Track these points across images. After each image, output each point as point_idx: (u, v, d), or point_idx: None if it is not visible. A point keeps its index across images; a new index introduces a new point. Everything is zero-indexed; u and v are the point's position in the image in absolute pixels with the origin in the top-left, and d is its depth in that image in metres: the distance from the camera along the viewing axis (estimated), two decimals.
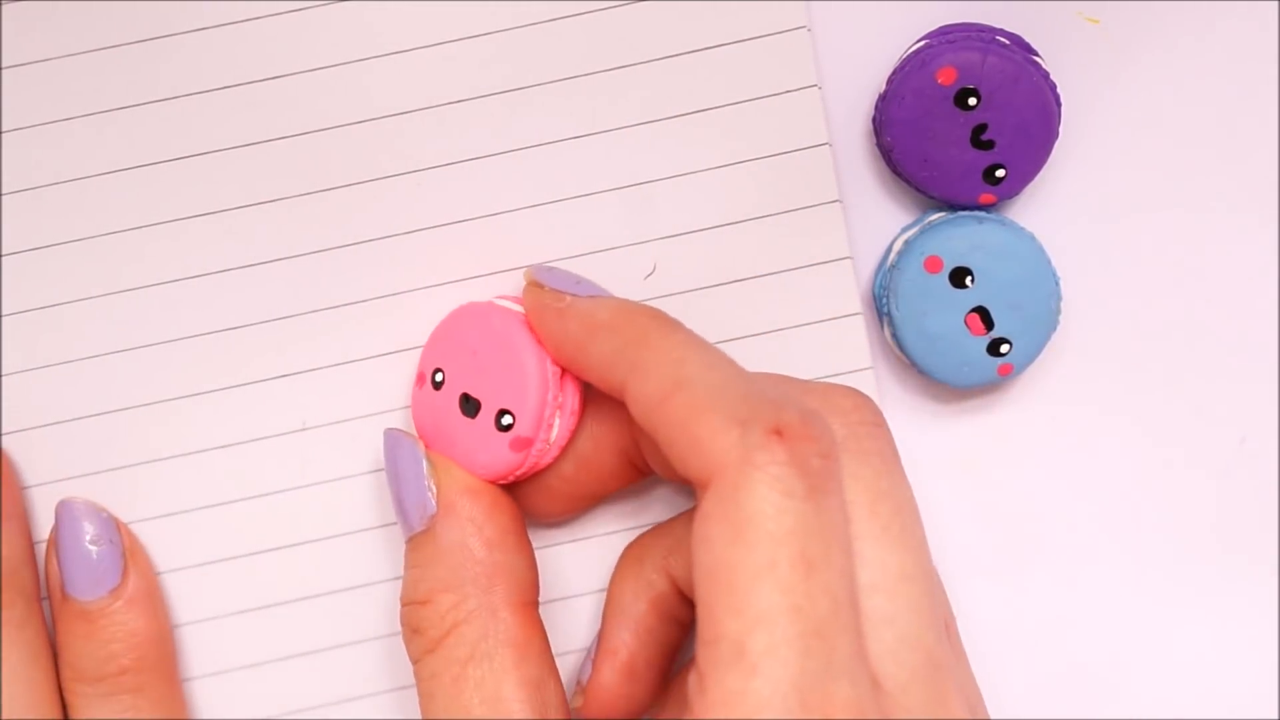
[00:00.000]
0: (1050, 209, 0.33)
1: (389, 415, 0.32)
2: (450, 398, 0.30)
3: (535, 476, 0.30)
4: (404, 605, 0.29)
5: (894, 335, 0.32)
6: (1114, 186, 0.33)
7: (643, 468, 0.30)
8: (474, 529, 0.28)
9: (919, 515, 0.27)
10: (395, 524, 0.31)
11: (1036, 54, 0.32)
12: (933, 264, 0.31)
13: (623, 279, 0.32)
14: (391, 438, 0.30)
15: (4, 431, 0.31)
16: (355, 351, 0.32)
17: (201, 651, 0.32)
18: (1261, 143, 0.33)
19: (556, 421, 0.29)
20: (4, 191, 0.31)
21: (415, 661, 0.28)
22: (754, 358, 0.32)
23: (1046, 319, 0.32)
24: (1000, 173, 0.32)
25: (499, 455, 0.29)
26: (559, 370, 0.29)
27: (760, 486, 0.24)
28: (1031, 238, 0.32)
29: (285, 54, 0.31)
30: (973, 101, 0.31)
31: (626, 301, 0.29)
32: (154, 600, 0.31)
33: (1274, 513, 0.33)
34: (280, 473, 0.32)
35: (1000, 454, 0.34)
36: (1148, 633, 0.33)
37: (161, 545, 0.32)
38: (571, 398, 0.30)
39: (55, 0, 0.31)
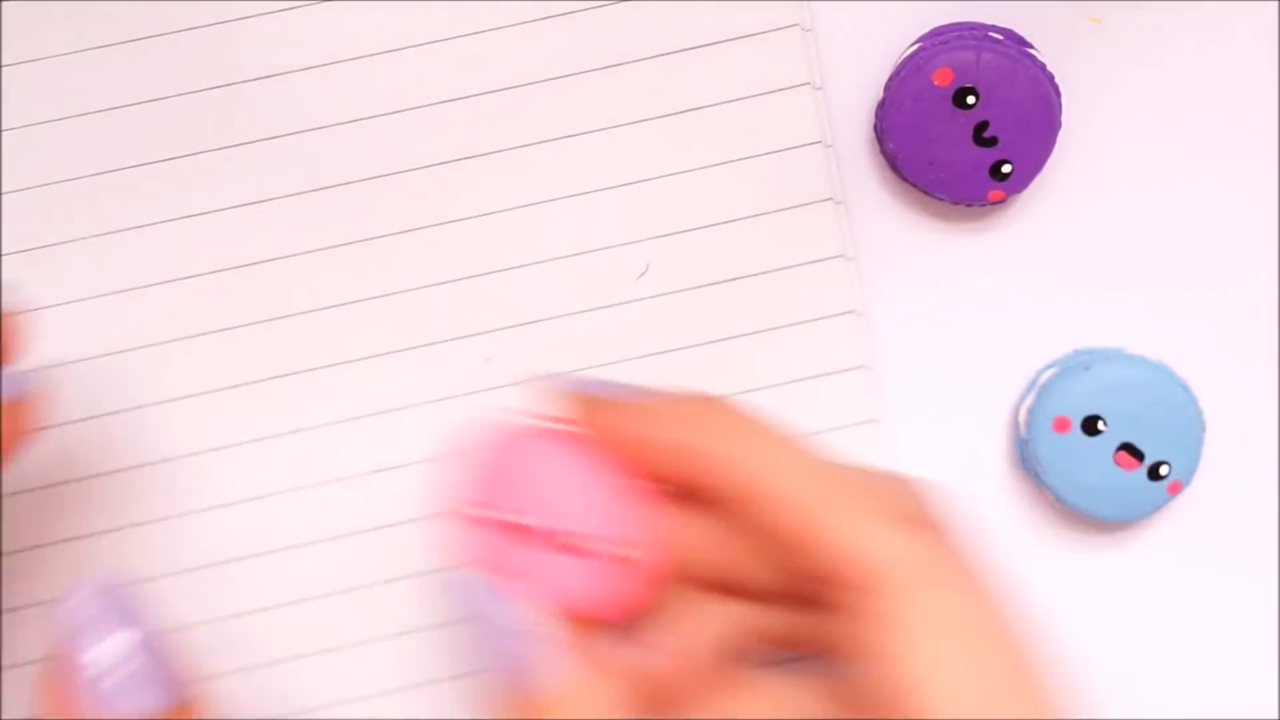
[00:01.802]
0: (1060, 199, 0.33)
1: (382, 416, 0.32)
2: (532, 537, 0.26)
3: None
4: None
5: (1059, 498, 0.32)
6: (1121, 172, 0.33)
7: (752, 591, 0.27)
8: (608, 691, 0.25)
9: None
10: (384, 526, 0.32)
11: (1032, 47, 0.31)
12: (1061, 424, 0.31)
13: (616, 279, 0.32)
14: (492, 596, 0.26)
15: None
16: (348, 353, 0.32)
17: (204, 652, 0.32)
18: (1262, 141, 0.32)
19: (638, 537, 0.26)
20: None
21: None
22: (747, 357, 0.32)
23: (1190, 422, 0.32)
24: (1006, 168, 0.31)
25: (590, 579, 0.26)
26: (628, 483, 0.26)
27: (939, 580, 0.23)
28: (1128, 358, 0.32)
29: (280, 53, 0.31)
30: (971, 100, 0.30)
31: (674, 391, 0.26)
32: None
33: (1274, 513, 0.33)
34: (274, 475, 0.32)
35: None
36: (1148, 632, 0.33)
37: (159, 547, 0.32)
38: (648, 511, 0.26)
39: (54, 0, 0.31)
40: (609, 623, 0.26)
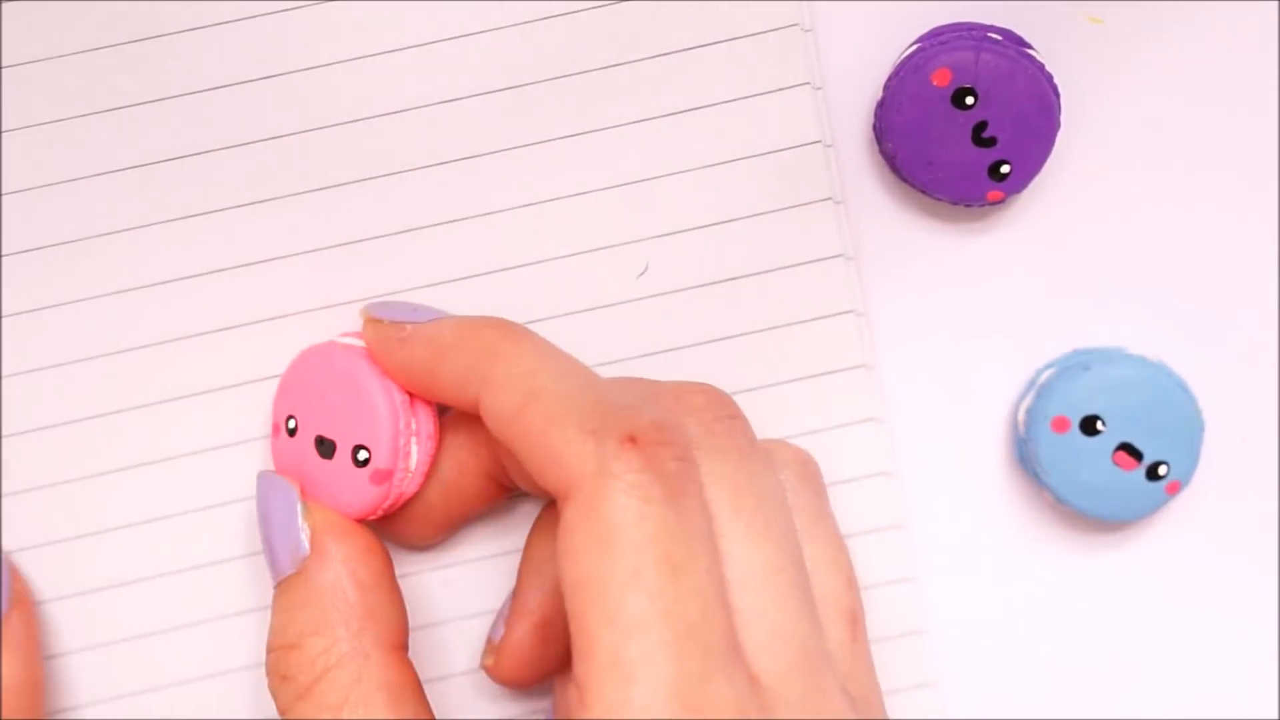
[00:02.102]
0: (1059, 200, 0.33)
1: None
2: (305, 442, 0.30)
3: (402, 506, 0.30)
4: (271, 651, 0.28)
5: (1058, 498, 0.32)
6: (1120, 172, 0.33)
7: (508, 485, 0.30)
8: (346, 571, 0.28)
9: (784, 507, 0.27)
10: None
11: (1030, 47, 0.31)
12: (1060, 424, 0.32)
13: (615, 278, 0.32)
14: (265, 480, 0.30)
15: (12, 432, 0.32)
16: None
17: (205, 652, 0.32)
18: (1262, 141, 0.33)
19: (414, 449, 0.29)
20: None
21: (284, 711, 0.28)
22: (746, 356, 0.32)
23: (1189, 422, 0.32)
24: (1005, 168, 0.31)
25: (362, 491, 0.29)
26: (408, 398, 0.29)
27: (618, 495, 0.24)
28: (1127, 357, 0.32)
29: (275, 54, 0.31)
30: (970, 100, 0.31)
31: (470, 318, 0.29)
32: (30, 648, 0.30)
33: (1273, 512, 0.33)
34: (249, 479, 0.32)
35: None
36: (1148, 632, 0.33)
37: (159, 549, 0.32)
38: (426, 423, 0.30)
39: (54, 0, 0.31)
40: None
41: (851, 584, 0.28)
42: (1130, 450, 0.32)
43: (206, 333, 0.32)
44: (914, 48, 0.31)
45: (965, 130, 0.31)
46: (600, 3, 0.31)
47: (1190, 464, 0.32)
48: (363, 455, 0.29)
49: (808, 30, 0.32)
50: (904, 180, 0.32)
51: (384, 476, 0.29)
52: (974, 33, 0.31)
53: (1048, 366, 0.33)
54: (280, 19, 0.31)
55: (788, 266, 0.32)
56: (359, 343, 0.30)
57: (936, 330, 0.33)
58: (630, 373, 0.32)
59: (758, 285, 0.32)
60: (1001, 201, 0.32)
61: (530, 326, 0.31)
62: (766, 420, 0.32)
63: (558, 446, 0.25)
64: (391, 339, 0.29)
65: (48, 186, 0.31)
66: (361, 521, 0.29)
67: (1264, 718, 0.34)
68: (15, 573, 0.31)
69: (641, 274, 0.32)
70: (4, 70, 0.31)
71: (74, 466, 0.32)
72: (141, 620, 0.32)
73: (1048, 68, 0.31)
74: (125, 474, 0.32)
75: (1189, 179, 0.33)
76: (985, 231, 0.33)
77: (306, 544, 0.28)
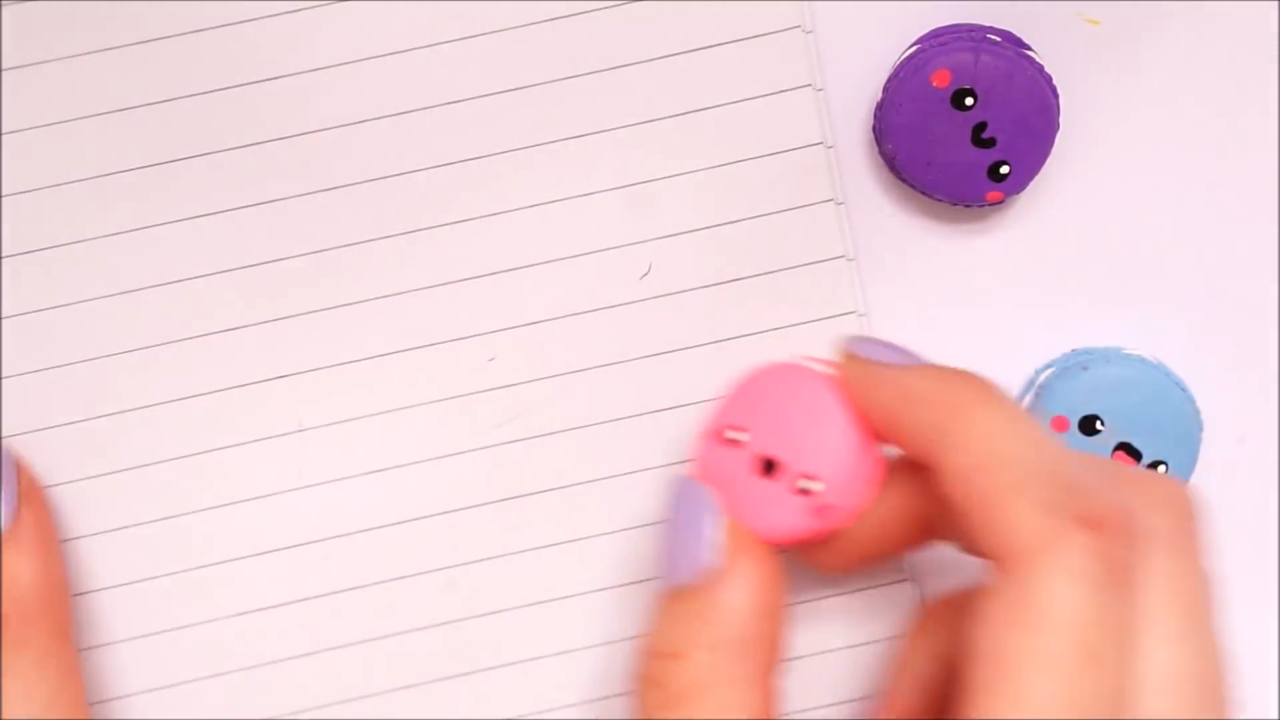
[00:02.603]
0: (1058, 200, 0.33)
1: (386, 416, 0.32)
2: (748, 456, 0.28)
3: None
4: (651, 656, 0.27)
5: None
6: (1119, 173, 0.33)
7: (938, 536, 0.29)
8: (752, 595, 0.27)
9: (1218, 618, 0.26)
10: (388, 525, 0.32)
11: (1029, 48, 0.31)
12: (1059, 424, 0.32)
13: (618, 279, 0.32)
14: (684, 484, 0.28)
15: (11, 434, 0.32)
16: (352, 353, 0.32)
17: (205, 653, 0.32)
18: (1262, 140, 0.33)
19: (860, 489, 0.28)
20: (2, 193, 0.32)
21: (647, 715, 0.27)
22: (748, 357, 0.32)
23: (1188, 422, 0.32)
24: (1004, 169, 0.31)
25: (795, 519, 0.28)
26: (867, 438, 0.28)
27: (1057, 573, 0.23)
28: (1125, 357, 0.32)
29: (280, 55, 0.31)
30: (970, 101, 0.31)
31: (946, 370, 0.27)
32: (46, 547, 0.29)
33: (1273, 512, 0.33)
34: (277, 475, 0.32)
35: None
36: None
37: (160, 549, 0.32)
38: (875, 466, 0.28)
39: (55, 0, 0.31)
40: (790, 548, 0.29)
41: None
42: (1129, 450, 0.32)
43: (207, 335, 0.32)
44: (913, 49, 0.31)
45: (965, 131, 0.31)
46: (603, 5, 0.31)
47: (1189, 463, 0.32)
48: (808, 484, 0.28)
49: (809, 32, 0.32)
50: (904, 181, 0.32)
51: (826, 511, 0.28)
52: (973, 34, 0.31)
53: (1046, 367, 0.33)
54: (276, 21, 0.31)
55: (790, 268, 0.32)
56: (828, 370, 0.28)
57: (936, 330, 0.33)
58: (632, 373, 0.32)
59: (760, 287, 0.32)
60: (1001, 202, 0.32)
61: (533, 327, 0.32)
62: None
63: (1010, 515, 0.24)
64: (863, 378, 0.28)
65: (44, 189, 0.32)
66: (772, 545, 0.28)
67: (1264, 718, 0.34)
68: (21, 467, 0.30)
69: (644, 275, 0.32)
70: (3, 72, 0.31)
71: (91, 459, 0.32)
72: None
73: (1047, 69, 0.31)
74: (129, 473, 0.32)
75: (1188, 179, 0.33)
76: (984, 232, 0.33)
77: (717, 557, 0.27)
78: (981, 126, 0.31)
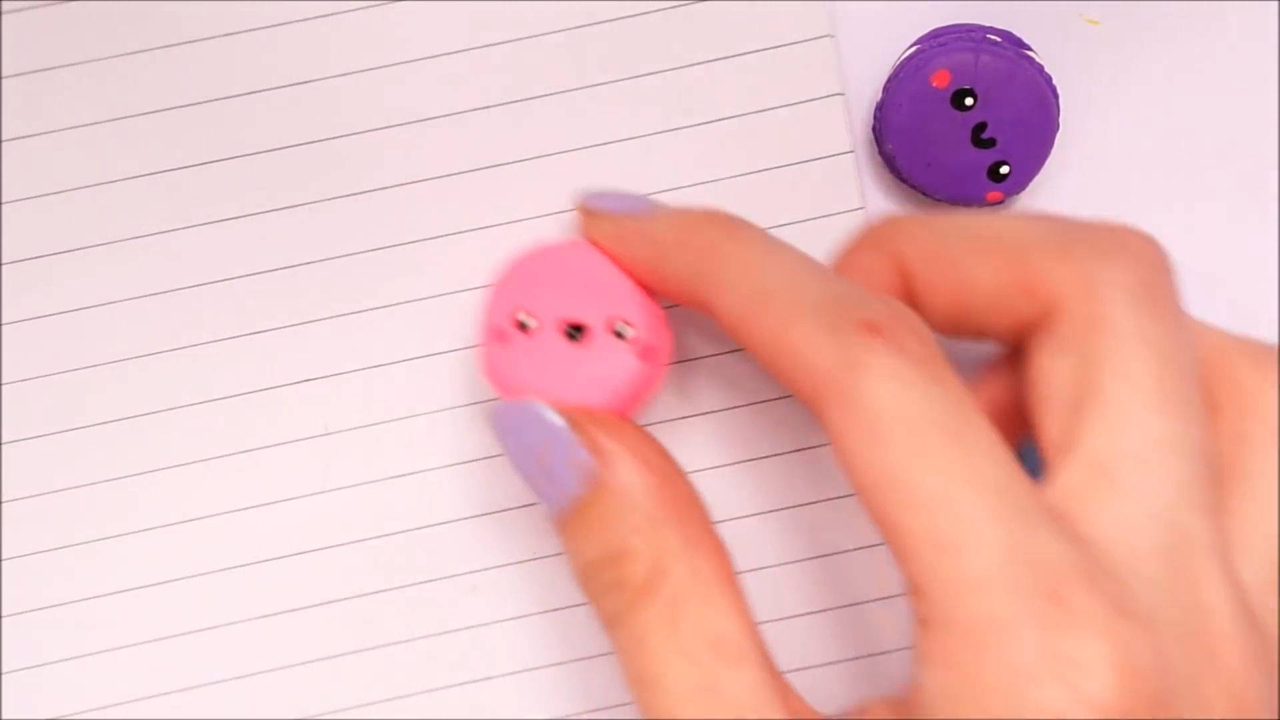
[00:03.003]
0: (1058, 200, 0.33)
1: (411, 420, 0.32)
2: (548, 334, 0.28)
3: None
4: (590, 569, 0.26)
5: None
6: (1119, 174, 0.33)
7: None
8: (641, 463, 0.26)
9: (1197, 384, 0.24)
10: (412, 529, 0.32)
11: (1029, 48, 0.31)
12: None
13: None
14: (512, 411, 0.27)
15: (16, 438, 0.32)
16: (375, 357, 0.32)
17: (219, 656, 0.32)
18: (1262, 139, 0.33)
19: (665, 330, 0.28)
20: (11, 199, 0.32)
21: (616, 623, 0.25)
22: None
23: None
24: (1004, 169, 0.31)
25: (626, 366, 0.27)
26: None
27: (874, 383, 0.23)
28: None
29: (299, 62, 0.31)
30: (969, 101, 0.31)
31: (689, 213, 0.27)
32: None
33: None
34: (303, 478, 0.32)
35: None
36: None
37: (179, 551, 0.32)
38: (661, 310, 0.28)
39: (55, 3, 0.31)
40: (626, 415, 0.27)
41: None
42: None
43: (208, 342, 0.32)
44: (913, 49, 0.31)
45: (964, 131, 0.31)
46: (629, 14, 0.31)
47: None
48: (623, 328, 0.27)
49: (833, 39, 0.32)
50: (904, 181, 0.32)
51: (650, 352, 0.27)
52: (973, 34, 0.31)
53: None
54: (291, 29, 0.32)
55: None
56: (577, 238, 0.28)
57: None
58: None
59: None
60: (1001, 202, 0.32)
61: None
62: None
63: (798, 348, 0.23)
64: (612, 235, 0.27)
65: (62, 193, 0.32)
66: (617, 413, 0.27)
67: (1263, 717, 0.33)
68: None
69: None
70: (4, 79, 0.31)
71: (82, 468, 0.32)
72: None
73: (1046, 69, 0.31)
74: (128, 481, 0.32)
75: (1188, 179, 0.33)
76: None
77: (589, 457, 0.26)
78: (981, 127, 0.31)
